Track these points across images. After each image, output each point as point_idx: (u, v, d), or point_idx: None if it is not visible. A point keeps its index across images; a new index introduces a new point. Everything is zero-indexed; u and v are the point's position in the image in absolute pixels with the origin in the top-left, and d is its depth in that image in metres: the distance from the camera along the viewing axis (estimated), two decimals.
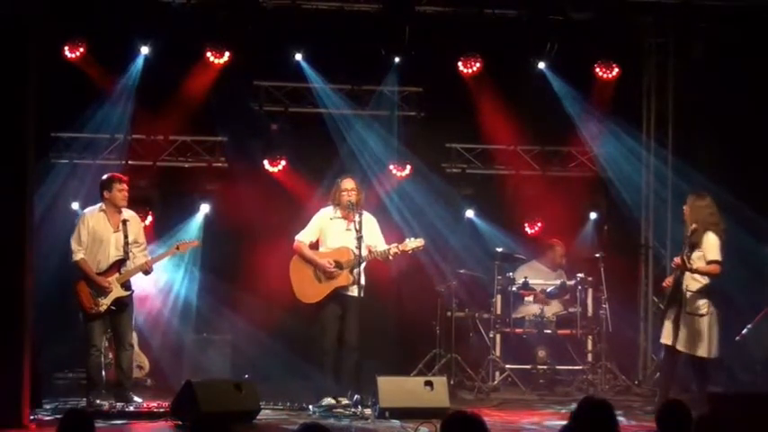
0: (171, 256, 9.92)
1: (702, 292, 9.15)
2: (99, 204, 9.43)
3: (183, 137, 12.06)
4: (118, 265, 9.28)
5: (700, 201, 9.29)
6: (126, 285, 9.31)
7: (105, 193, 9.38)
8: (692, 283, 9.17)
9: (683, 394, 9.17)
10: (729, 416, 5.91)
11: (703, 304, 9.13)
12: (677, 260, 9.13)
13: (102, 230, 9.29)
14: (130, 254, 9.31)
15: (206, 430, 5.20)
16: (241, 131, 11.91)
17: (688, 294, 9.15)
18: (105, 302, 9.18)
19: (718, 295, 9.24)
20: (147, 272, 9.47)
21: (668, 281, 9.46)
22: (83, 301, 9.19)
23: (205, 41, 11.42)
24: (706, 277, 9.13)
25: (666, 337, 9.28)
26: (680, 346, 9.17)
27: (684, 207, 9.36)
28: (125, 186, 9.41)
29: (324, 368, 9.48)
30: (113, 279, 9.23)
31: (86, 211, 9.48)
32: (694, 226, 9.11)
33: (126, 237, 9.29)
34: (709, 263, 9.09)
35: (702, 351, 9.11)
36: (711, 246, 9.09)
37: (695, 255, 9.09)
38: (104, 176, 9.62)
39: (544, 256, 12.01)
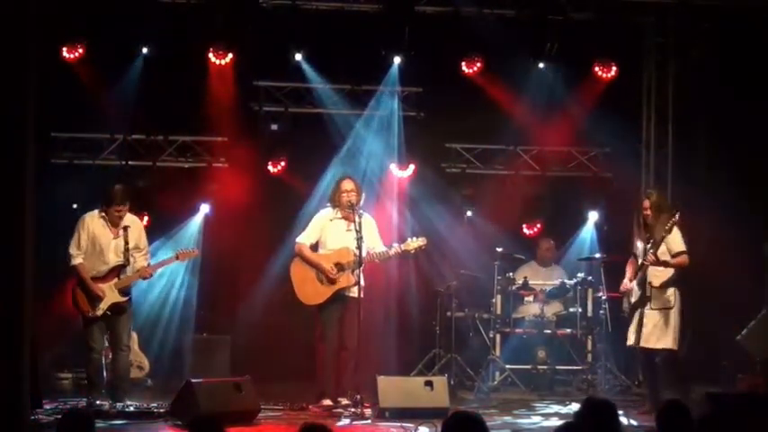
0: (170, 264, 9.89)
1: (669, 285, 9.20)
2: (98, 210, 9.33)
3: (183, 137, 12.07)
4: (117, 270, 9.23)
5: (659, 198, 9.37)
6: (125, 291, 9.27)
7: (104, 206, 9.27)
8: (656, 278, 9.20)
9: (683, 395, 9.16)
10: (729, 416, 5.90)
11: (670, 295, 9.20)
12: (651, 257, 9.08)
13: (102, 236, 9.23)
14: (131, 259, 9.26)
15: (201, 431, 5.21)
16: (241, 131, 11.91)
17: (654, 291, 9.17)
18: (102, 307, 9.14)
19: (682, 286, 9.28)
20: (146, 278, 9.45)
21: (626, 285, 9.44)
22: (80, 304, 9.17)
23: (206, 42, 11.43)
24: (670, 269, 9.18)
25: (633, 339, 9.26)
26: (643, 343, 9.16)
27: (646, 206, 9.30)
28: (122, 210, 9.20)
29: (324, 368, 9.47)
30: (111, 285, 9.18)
31: (86, 215, 9.36)
32: (660, 222, 9.13)
33: (126, 243, 9.22)
34: (677, 254, 9.16)
35: (670, 343, 9.15)
36: (675, 239, 9.16)
37: (660, 250, 9.13)
38: (111, 189, 9.34)
39: (536, 255, 12.01)
